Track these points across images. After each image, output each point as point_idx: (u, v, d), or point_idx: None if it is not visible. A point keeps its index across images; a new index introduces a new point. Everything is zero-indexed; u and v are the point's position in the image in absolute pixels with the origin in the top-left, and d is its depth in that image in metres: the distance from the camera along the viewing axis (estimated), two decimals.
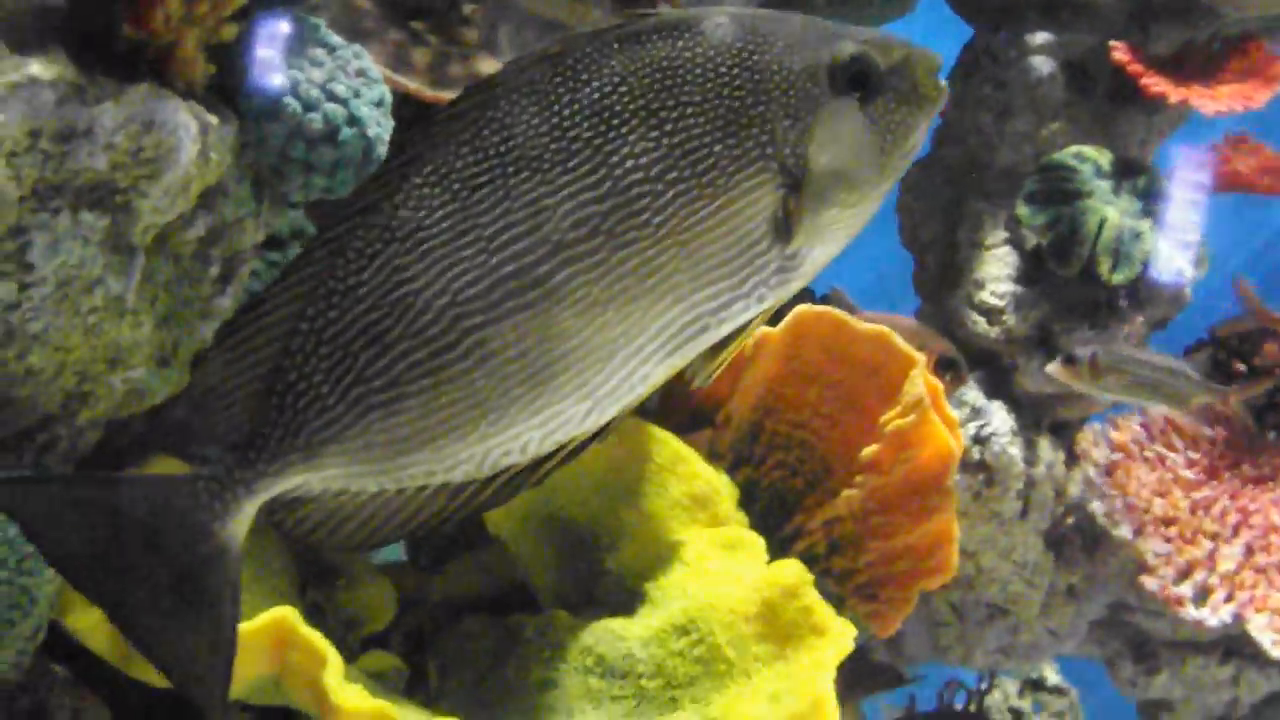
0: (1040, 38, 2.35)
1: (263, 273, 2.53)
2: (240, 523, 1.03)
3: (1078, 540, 2.28)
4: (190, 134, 1.18)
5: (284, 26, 1.38)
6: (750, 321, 1.05)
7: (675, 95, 0.99)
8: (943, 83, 1.04)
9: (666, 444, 1.69)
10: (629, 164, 0.99)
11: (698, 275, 1.01)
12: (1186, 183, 2.29)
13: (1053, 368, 2.01)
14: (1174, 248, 2.16)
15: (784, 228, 1.02)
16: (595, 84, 0.99)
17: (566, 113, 0.99)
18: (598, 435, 1.05)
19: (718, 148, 0.99)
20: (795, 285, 1.05)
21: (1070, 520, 2.28)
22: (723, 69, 1.00)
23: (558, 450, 1.05)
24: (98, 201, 1.16)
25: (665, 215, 0.99)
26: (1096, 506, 2.22)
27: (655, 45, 1.00)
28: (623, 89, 0.99)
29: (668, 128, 0.99)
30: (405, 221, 1.00)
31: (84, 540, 1.01)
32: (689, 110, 0.99)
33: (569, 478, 1.67)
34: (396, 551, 2.11)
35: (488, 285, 0.99)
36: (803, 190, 1.01)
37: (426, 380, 1.00)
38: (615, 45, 1.00)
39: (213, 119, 1.22)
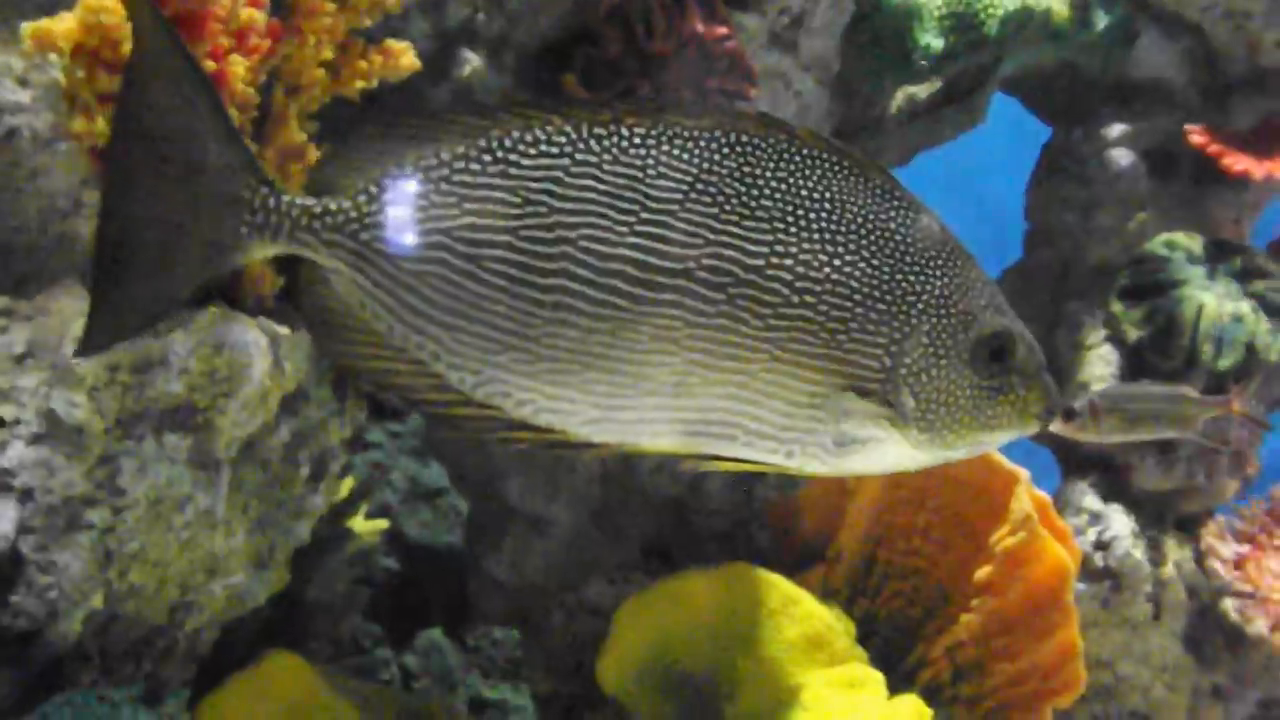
0: (1117, 129, 2.33)
1: (385, 443, 2.59)
2: (262, 248, 1.02)
3: (1219, 638, 2.19)
4: (260, 349, 1.22)
5: None
6: (765, 463, 1.06)
7: (860, 244, 1.02)
8: (1042, 422, 1.07)
9: (777, 586, 1.68)
10: (787, 261, 1.01)
11: (763, 394, 1.03)
12: None
13: (1057, 427, 1.94)
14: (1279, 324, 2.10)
15: (849, 420, 1.04)
16: (809, 181, 1.03)
17: (774, 184, 1.02)
18: (574, 447, 1.05)
19: (859, 310, 1.02)
20: (819, 469, 1.06)
21: (1208, 618, 2.20)
22: (909, 257, 1.04)
23: (533, 427, 1.04)
24: (179, 423, 1.20)
25: (780, 325, 1.02)
26: (1229, 603, 2.14)
27: (874, 196, 1.04)
28: (828, 204, 1.02)
29: (836, 262, 1.02)
30: (586, 151, 1.02)
31: (157, 125, 1.01)
32: (860, 264, 1.02)
33: (682, 627, 1.66)
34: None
35: (607, 255, 1.00)
36: (887, 401, 1.03)
37: (499, 282, 1.01)
38: (846, 166, 1.03)
39: (283, 330, 1.27)
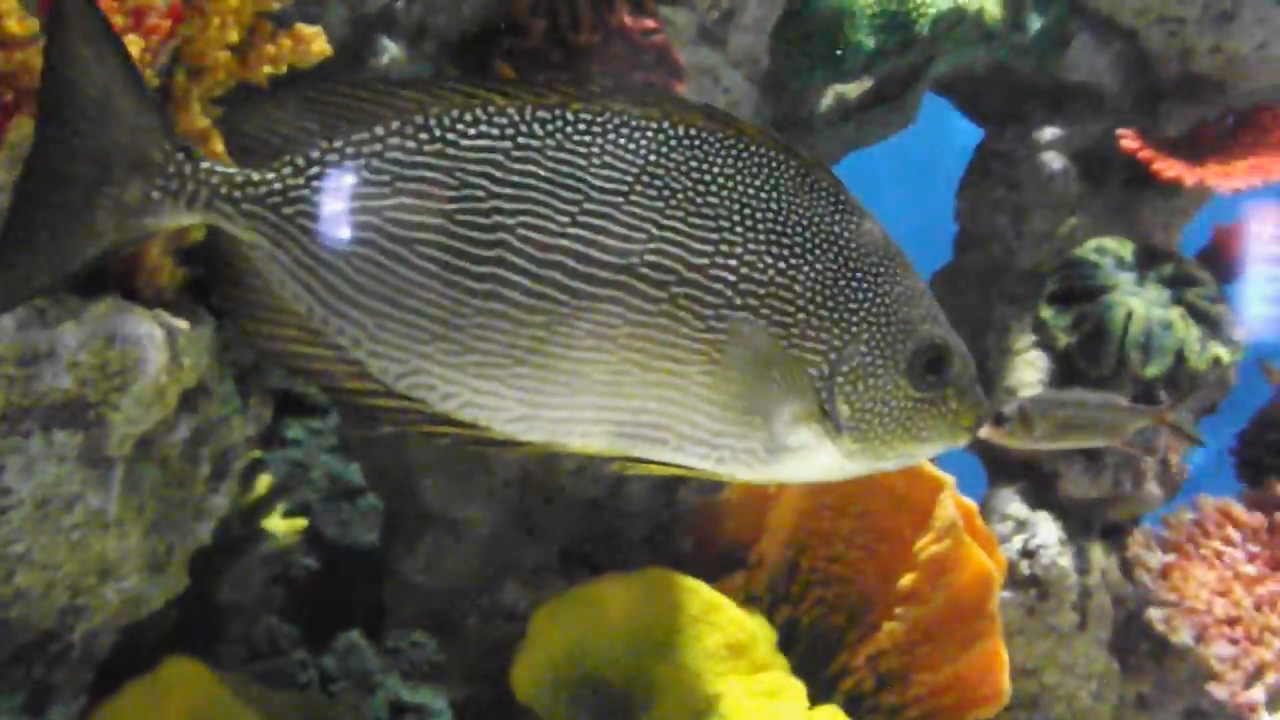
0: (1048, 133, 2.32)
1: (305, 440, 2.53)
2: (174, 215, 0.96)
3: (1144, 647, 2.18)
4: (156, 343, 1.17)
5: None
6: (695, 469, 1.02)
7: (805, 248, 0.99)
8: (970, 436, 1.06)
9: (697, 593, 1.65)
10: (731, 262, 0.97)
11: (698, 398, 0.98)
12: (1215, 262, 2.23)
13: (986, 433, 1.92)
14: (1208, 331, 2.09)
15: (783, 424, 1.00)
16: (757, 180, 0.99)
17: (721, 181, 0.98)
18: (499, 445, 1.00)
19: (801, 315, 0.98)
20: (749, 476, 1.03)
21: (1134, 627, 2.19)
22: (852, 264, 1.00)
23: (457, 422, 0.99)
24: (69, 419, 1.15)
25: (721, 327, 0.97)
26: (1153, 613, 2.13)
27: (820, 199, 1.00)
28: (775, 205, 0.98)
29: (780, 265, 0.98)
30: (528, 135, 0.96)
31: (87, 86, 0.94)
32: (805, 268, 0.99)
33: (599, 634, 1.63)
34: None
35: (546, 245, 0.95)
36: (823, 409, 1.00)
37: (430, 267, 0.96)
38: (794, 166, 1.00)
39: (182, 324, 1.21)
